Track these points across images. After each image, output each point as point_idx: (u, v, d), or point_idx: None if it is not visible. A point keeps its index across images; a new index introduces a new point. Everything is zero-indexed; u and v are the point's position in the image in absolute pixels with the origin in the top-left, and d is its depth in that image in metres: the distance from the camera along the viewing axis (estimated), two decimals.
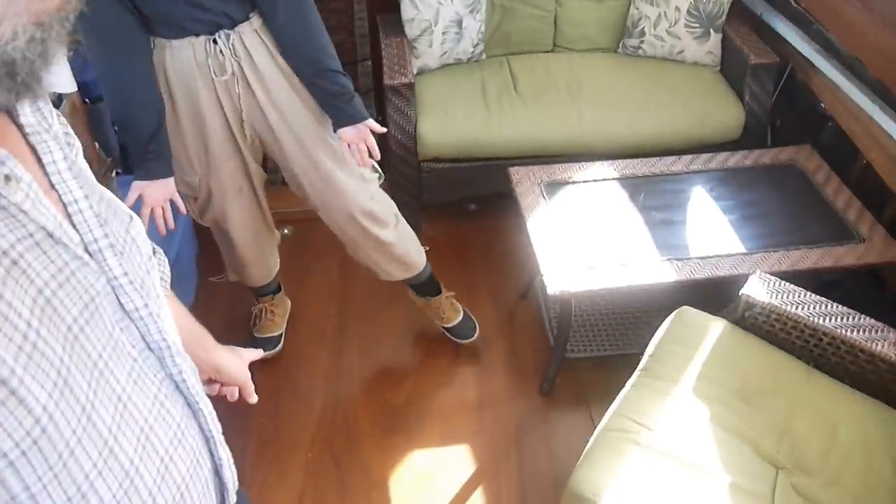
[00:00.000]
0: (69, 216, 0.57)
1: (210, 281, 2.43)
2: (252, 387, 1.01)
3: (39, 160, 0.57)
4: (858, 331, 1.58)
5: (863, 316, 1.61)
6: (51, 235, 0.52)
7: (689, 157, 2.23)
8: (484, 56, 2.70)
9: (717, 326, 1.69)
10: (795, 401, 1.57)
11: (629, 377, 2.13)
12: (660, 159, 2.22)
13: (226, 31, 1.59)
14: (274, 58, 1.65)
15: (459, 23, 2.54)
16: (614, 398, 2.11)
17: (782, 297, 1.63)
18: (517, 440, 2.03)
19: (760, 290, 1.65)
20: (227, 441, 0.75)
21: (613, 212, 2.07)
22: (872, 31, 2.08)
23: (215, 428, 0.70)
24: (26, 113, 0.57)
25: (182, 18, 1.54)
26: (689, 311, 1.73)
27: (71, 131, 0.66)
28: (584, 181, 2.16)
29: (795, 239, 1.95)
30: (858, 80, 2.22)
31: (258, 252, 2.02)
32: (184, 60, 1.59)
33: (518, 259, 2.47)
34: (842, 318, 1.60)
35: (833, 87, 2.32)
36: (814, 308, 1.61)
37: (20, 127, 0.57)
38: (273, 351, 2.22)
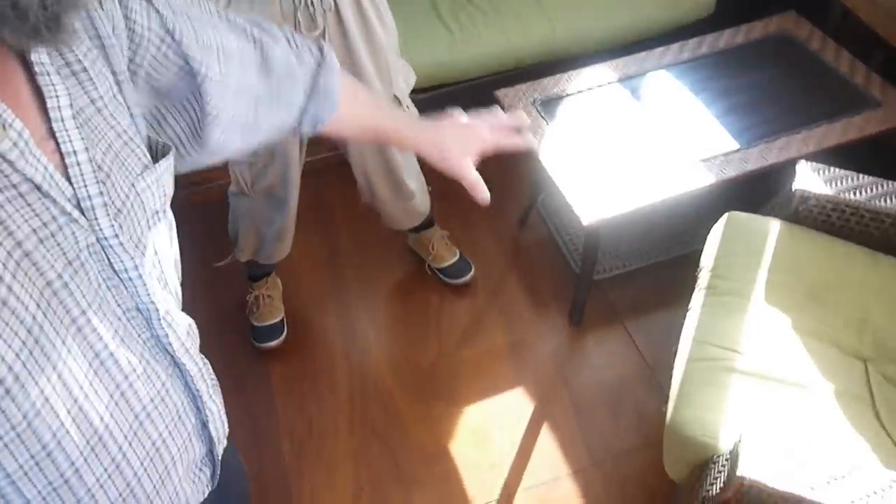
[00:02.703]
0: (65, 168, 0.53)
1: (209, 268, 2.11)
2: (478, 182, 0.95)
3: (43, 104, 0.52)
4: None
5: None
6: (38, 188, 0.50)
7: (678, 44, 2.08)
8: None
9: (771, 227, 1.60)
10: (867, 289, 1.52)
11: (656, 284, 2.08)
12: (651, 52, 2.06)
13: None
14: (362, 11, 1.49)
15: None
16: (646, 308, 2.06)
17: (837, 185, 1.55)
18: (561, 376, 1.94)
19: (813, 181, 1.56)
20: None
21: (620, 120, 1.91)
22: None
23: (203, 385, 0.69)
24: (39, 49, 0.52)
25: None
26: (738, 217, 1.63)
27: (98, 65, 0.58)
28: (579, 91, 1.98)
29: (812, 116, 1.86)
30: None
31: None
32: (266, 10, 1.39)
33: (510, 183, 2.30)
34: None
35: None
36: (872, 190, 1.53)
37: (30, 65, 0.52)
38: (280, 339, 2.00)
